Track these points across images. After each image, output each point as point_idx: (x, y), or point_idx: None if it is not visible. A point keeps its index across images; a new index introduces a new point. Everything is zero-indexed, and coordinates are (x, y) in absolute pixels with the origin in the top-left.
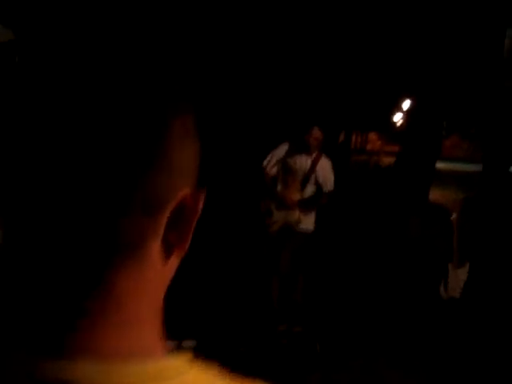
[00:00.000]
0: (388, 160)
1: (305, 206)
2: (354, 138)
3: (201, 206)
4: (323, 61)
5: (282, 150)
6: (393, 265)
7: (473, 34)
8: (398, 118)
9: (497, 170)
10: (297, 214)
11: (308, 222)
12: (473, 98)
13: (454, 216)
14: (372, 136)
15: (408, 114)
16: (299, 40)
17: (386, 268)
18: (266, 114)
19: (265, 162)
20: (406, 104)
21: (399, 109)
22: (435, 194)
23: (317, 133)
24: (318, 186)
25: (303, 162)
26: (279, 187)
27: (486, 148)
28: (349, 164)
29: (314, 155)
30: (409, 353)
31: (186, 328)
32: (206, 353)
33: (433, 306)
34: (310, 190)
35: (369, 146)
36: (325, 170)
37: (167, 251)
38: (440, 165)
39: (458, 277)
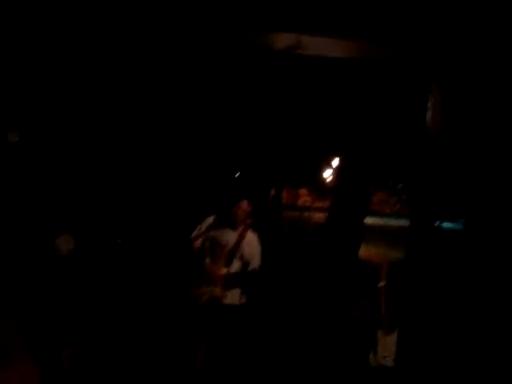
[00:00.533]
0: (319, 216)
1: (229, 282)
2: (284, 193)
3: None
4: (252, 119)
5: (210, 221)
6: (322, 332)
7: (397, 91)
8: (327, 174)
9: (423, 225)
10: (222, 289)
11: (234, 297)
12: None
13: (381, 283)
14: (303, 191)
15: (337, 171)
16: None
17: (315, 336)
18: (196, 183)
19: (193, 234)
20: (335, 161)
21: (329, 165)
22: (365, 251)
23: (245, 205)
24: (245, 262)
25: (230, 235)
26: (207, 260)
27: (412, 203)
28: (280, 220)
29: (241, 229)
30: None
31: None
32: None
33: (364, 374)
34: (236, 265)
35: (300, 202)
36: (251, 246)
37: None
38: (369, 220)
39: (388, 343)
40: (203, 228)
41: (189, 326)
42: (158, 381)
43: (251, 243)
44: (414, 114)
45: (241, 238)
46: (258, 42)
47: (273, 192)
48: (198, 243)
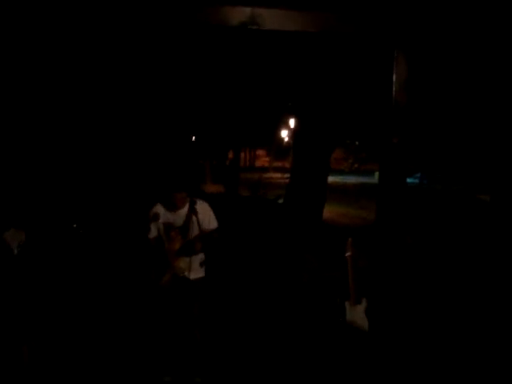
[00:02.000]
0: (277, 175)
1: (187, 251)
2: (242, 155)
3: None
4: (210, 82)
5: (157, 210)
6: (288, 304)
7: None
8: (284, 134)
9: (393, 181)
10: (181, 262)
11: (196, 270)
12: (355, 112)
13: (348, 253)
14: (260, 152)
15: (294, 131)
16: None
17: (279, 307)
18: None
19: (144, 228)
20: (292, 121)
21: (285, 126)
22: (327, 211)
23: (180, 195)
24: (201, 230)
25: (178, 215)
26: (166, 244)
27: (381, 160)
28: (238, 182)
29: (187, 206)
30: None
31: None
32: None
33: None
34: (194, 236)
35: (258, 163)
36: (202, 214)
37: None
38: (328, 179)
39: (356, 314)
40: (151, 218)
41: (156, 309)
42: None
43: (201, 211)
44: (371, 75)
45: (189, 212)
46: (213, 19)
47: (231, 154)
48: (152, 234)
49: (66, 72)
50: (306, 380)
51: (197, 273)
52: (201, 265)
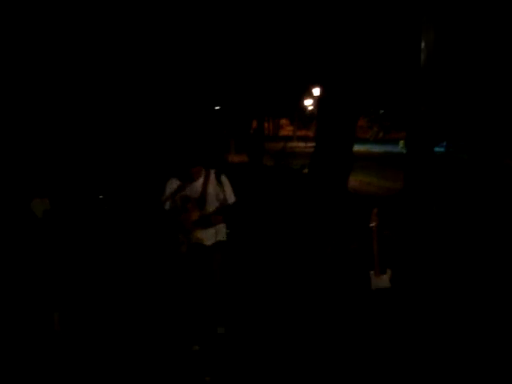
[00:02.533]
0: (301, 145)
1: (205, 223)
2: (266, 124)
3: None
4: (231, 50)
5: (173, 183)
6: (311, 274)
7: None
8: (308, 103)
9: (420, 150)
10: (198, 233)
11: (211, 238)
12: (380, 80)
13: (373, 223)
14: (284, 122)
15: (318, 100)
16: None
17: (304, 278)
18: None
19: (161, 200)
20: (316, 90)
21: (309, 95)
22: (352, 181)
23: (196, 168)
24: (218, 201)
25: (195, 187)
26: (182, 215)
27: (409, 130)
28: (263, 151)
29: (203, 178)
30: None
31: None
32: None
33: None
34: (210, 207)
35: (281, 132)
36: (219, 185)
37: None
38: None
39: (381, 284)
40: (168, 190)
41: (176, 275)
42: (149, 339)
43: (218, 183)
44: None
45: (205, 183)
46: None
47: (254, 124)
48: (168, 205)
49: (97, 52)
50: (327, 349)
51: (212, 239)
52: (218, 234)
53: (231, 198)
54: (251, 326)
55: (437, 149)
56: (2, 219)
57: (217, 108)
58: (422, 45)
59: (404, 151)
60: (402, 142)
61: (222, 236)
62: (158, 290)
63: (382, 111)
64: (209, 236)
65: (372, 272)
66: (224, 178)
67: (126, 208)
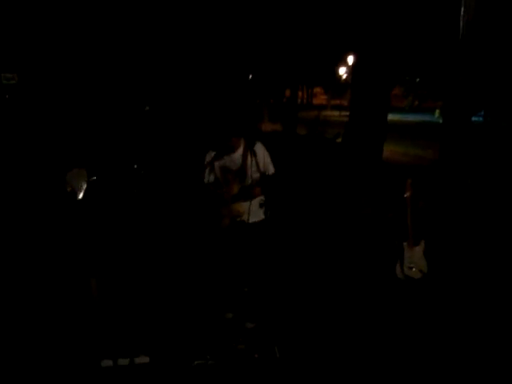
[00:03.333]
0: (335, 114)
1: (246, 195)
2: (300, 93)
3: None
4: (267, 19)
5: (212, 156)
6: (345, 246)
7: None
8: (342, 71)
9: (457, 119)
10: (239, 206)
11: (255, 214)
12: (415, 47)
13: (407, 194)
14: (318, 90)
15: (353, 68)
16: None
17: (338, 249)
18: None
19: (201, 174)
20: (350, 58)
21: (343, 63)
22: (385, 150)
23: (235, 137)
24: (259, 173)
25: (235, 158)
26: (224, 188)
27: (445, 98)
28: (297, 120)
29: (242, 148)
30: (371, 343)
31: (138, 344)
32: (160, 369)
33: (390, 288)
34: (250, 179)
35: (315, 101)
36: (258, 156)
37: None
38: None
39: (414, 255)
40: (207, 163)
41: (214, 250)
42: (184, 308)
43: (258, 154)
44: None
45: (245, 154)
46: None
47: (288, 92)
48: (207, 177)
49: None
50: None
51: (255, 216)
52: (260, 207)
53: (270, 169)
54: (287, 291)
55: (474, 118)
56: (43, 189)
57: (250, 77)
58: (462, 10)
59: (440, 121)
60: (438, 112)
61: (262, 212)
62: (194, 260)
63: (418, 79)
64: (252, 210)
65: (405, 243)
66: (263, 149)
67: (163, 180)
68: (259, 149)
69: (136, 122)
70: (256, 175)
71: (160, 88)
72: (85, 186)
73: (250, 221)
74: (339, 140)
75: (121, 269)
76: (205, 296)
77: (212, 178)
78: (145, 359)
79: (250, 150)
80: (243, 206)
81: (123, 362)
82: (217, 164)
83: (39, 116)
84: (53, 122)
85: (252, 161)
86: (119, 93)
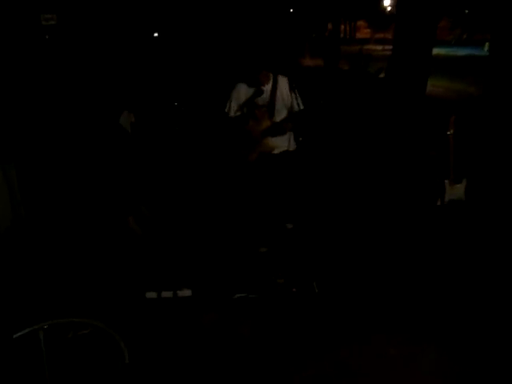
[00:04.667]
0: (379, 48)
1: (277, 130)
2: (342, 27)
3: None
4: None
5: (239, 91)
6: (386, 183)
7: None
8: (386, 3)
9: (505, 52)
10: (269, 141)
11: (283, 145)
12: None
13: (450, 131)
14: (361, 24)
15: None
16: None
17: (379, 186)
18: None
19: (226, 108)
20: None
21: None
22: (429, 85)
23: (264, 72)
24: (288, 107)
25: (262, 93)
26: (250, 123)
27: (494, 30)
28: (339, 55)
29: (271, 83)
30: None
31: (181, 277)
32: (202, 302)
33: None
34: (280, 114)
35: (358, 35)
36: (286, 91)
37: None
38: (433, 51)
39: (455, 193)
40: (234, 99)
41: (244, 185)
42: (218, 243)
43: (285, 88)
44: None
45: (273, 89)
46: None
47: (330, 25)
48: (234, 113)
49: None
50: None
51: (283, 147)
52: (290, 140)
53: (300, 105)
54: (318, 223)
55: None
56: (95, 133)
57: (291, 10)
58: None
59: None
60: (487, 45)
61: (293, 145)
62: (225, 196)
63: (466, 10)
64: (279, 144)
65: (447, 181)
66: (288, 85)
67: (200, 116)
68: (285, 84)
69: (174, 65)
70: (284, 111)
71: (198, 24)
72: (133, 127)
73: (278, 151)
74: (382, 75)
75: (162, 205)
76: (240, 231)
77: (238, 111)
78: (187, 292)
79: (278, 84)
80: (273, 141)
81: (167, 294)
82: (244, 98)
83: (82, 59)
84: (97, 64)
85: (281, 96)
86: (162, 38)
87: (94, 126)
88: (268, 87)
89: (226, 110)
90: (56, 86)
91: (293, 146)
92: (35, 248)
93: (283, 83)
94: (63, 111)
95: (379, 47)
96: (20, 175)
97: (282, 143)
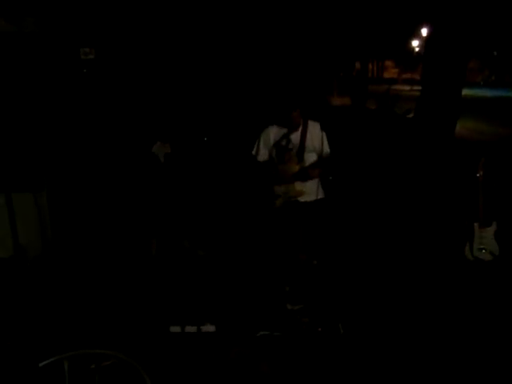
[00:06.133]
0: (406, 88)
1: (305, 176)
2: (370, 66)
3: None
4: None
5: (269, 133)
6: (413, 226)
7: None
8: (415, 44)
9: None
10: (298, 186)
11: (310, 193)
12: (492, 19)
13: (480, 173)
14: (388, 64)
15: (427, 40)
16: None
17: (406, 229)
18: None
19: (254, 151)
20: (424, 31)
21: (416, 35)
22: (459, 126)
23: (297, 112)
24: (317, 153)
25: (293, 136)
26: (279, 167)
27: None
28: (367, 93)
29: (301, 127)
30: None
31: (205, 312)
32: (225, 338)
33: (459, 269)
34: (308, 159)
35: (386, 74)
36: (317, 135)
37: None
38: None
39: (484, 236)
40: (263, 141)
41: (268, 230)
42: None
43: (316, 133)
44: None
45: (304, 133)
46: None
47: (358, 65)
48: (262, 156)
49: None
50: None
51: (312, 195)
52: (318, 188)
53: (327, 150)
54: (350, 269)
55: None
56: (129, 161)
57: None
58: None
59: None
60: None
61: (321, 193)
62: (251, 234)
63: (495, 52)
64: (308, 190)
65: (476, 224)
66: (319, 129)
67: (226, 152)
68: (316, 128)
69: (205, 100)
70: (313, 156)
71: (225, 64)
72: (168, 158)
73: (302, 200)
74: (410, 116)
75: (185, 238)
76: (265, 269)
77: (266, 156)
78: (211, 328)
79: (308, 128)
80: (302, 186)
81: (191, 329)
82: (273, 142)
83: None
84: (131, 95)
85: (310, 140)
86: (191, 72)
87: (126, 154)
88: (299, 130)
89: (254, 153)
90: (92, 116)
91: (321, 194)
92: (62, 276)
93: (314, 128)
94: (97, 140)
95: (407, 87)
96: (51, 204)
97: (310, 189)
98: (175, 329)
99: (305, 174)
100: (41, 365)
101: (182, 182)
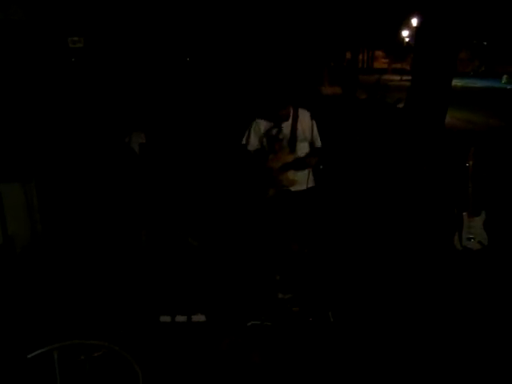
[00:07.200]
0: (396, 78)
1: (302, 164)
2: (360, 56)
3: None
4: None
5: (260, 122)
6: (402, 214)
7: None
8: (405, 34)
9: None
10: (291, 175)
11: (303, 182)
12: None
13: (469, 163)
14: (379, 54)
15: (417, 31)
16: None
17: (394, 217)
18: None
19: (244, 140)
20: (414, 21)
21: (406, 26)
22: (449, 116)
23: (288, 108)
24: (309, 142)
25: (284, 126)
26: (270, 156)
27: None
28: (357, 83)
29: (291, 117)
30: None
31: (195, 302)
32: (216, 328)
33: (447, 258)
34: (303, 149)
35: (376, 65)
36: (308, 124)
37: None
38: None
39: (473, 226)
40: (253, 132)
41: (260, 219)
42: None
43: (306, 122)
44: None
45: (294, 122)
46: None
47: (348, 55)
48: (252, 146)
49: None
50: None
51: (303, 184)
52: (309, 176)
53: (317, 139)
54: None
55: None
56: (105, 150)
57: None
58: None
59: (508, 87)
60: (505, 77)
61: (311, 182)
62: (241, 224)
63: (485, 43)
64: (300, 179)
65: (465, 213)
66: (309, 119)
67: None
68: (306, 117)
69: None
70: (305, 145)
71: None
72: (142, 147)
73: (294, 189)
74: (401, 105)
75: (174, 228)
76: (256, 258)
77: (257, 145)
78: (201, 318)
79: (299, 118)
80: (295, 176)
81: (181, 318)
82: (263, 131)
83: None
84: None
85: (301, 130)
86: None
87: (105, 144)
88: (289, 121)
89: (244, 143)
90: (77, 106)
91: (312, 183)
92: (51, 266)
93: (304, 116)
94: (81, 131)
95: (397, 77)
96: (40, 194)
97: (301, 178)
98: (165, 318)
99: (301, 164)
100: (29, 356)
101: (159, 173)
